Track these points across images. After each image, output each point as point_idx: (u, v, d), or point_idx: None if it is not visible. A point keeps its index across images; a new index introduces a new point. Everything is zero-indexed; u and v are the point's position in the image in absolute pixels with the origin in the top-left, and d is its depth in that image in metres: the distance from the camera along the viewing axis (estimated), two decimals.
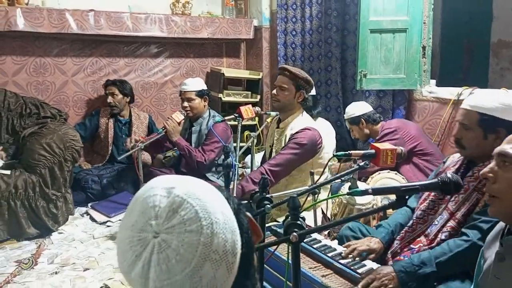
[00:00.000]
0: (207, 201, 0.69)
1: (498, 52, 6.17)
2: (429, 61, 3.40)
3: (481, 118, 1.62)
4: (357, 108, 3.13)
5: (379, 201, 2.49)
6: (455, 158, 1.85)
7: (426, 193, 1.83)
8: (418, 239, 1.77)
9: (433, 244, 1.67)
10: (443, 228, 1.68)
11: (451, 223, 1.66)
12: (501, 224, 1.22)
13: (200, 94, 3.30)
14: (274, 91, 2.62)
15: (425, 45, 3.33)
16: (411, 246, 1.77)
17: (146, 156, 3.90)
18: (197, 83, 3.35)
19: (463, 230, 1.60)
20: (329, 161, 2.32)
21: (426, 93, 3.35)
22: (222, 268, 0.66)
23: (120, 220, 3.16)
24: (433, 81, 3.47)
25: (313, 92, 3.29)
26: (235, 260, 0.69)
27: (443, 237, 1.66)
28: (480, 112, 1.63)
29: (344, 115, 3.22)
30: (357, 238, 1.98)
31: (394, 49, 3.30)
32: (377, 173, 2.92)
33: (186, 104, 3.29)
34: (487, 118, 1.61)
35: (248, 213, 0.79)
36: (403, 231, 1.85)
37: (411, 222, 1.84)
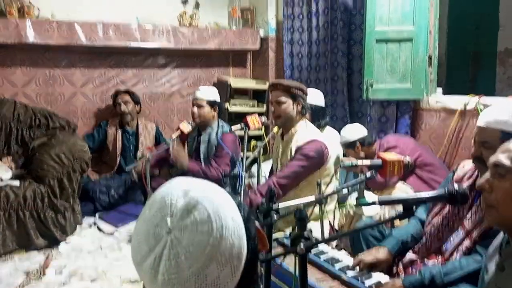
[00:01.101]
0: (220, 206, 0.74)
1: (505, 61, 6.15)
2: (435, 70, 3.40)
3: (503, 136, 1.51)
4: (352, 133, 3.04)
5: (386, 212, 2.48)
6: (466, 168, 1.80)
7: (438, 208, 1.81)
8: (433, 255, 1.76)
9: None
10: (459, 247, 1.66)
11: (467, 243, 1.64)
12: (501, 236, 1.22)
13: (211, 103, 3.32)
14: (272, 109, 2.62)
15: (431, 55, 3.33)
16: (425, 260, 1.76)
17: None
18: (210, 92, 3.37)
19: (477, 248, 1.58)
20: (336, 171, 2.33)
21: (433, 103, 3.34)
22: (226, 270, 0.71)
23: (127, 230, 3.17)
24: (440, 90, 3.46)
25: (321, 103, 3.30)
26: (240, 264, 0.73)
27: (458, 257, 1.64)
28: (502, 129, 1.54)
29: (339, 140, 3.12)
30: (375, 237, 1.98)
31: (400, 59, 3.30)
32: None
33: (195, 110, 3.31)
34: (510, 134, 1.49)
35: (256, 222, 0.83)
36: (417, 246, 1.83)
37: (424, 238, 1.81)
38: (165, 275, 0.69)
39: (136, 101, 3.99)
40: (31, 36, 3.52)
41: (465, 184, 1.71)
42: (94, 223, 3.35)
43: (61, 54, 3.98)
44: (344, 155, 3.15)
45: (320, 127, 3.17)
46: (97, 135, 3.96)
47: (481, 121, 1.61)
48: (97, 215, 3.45)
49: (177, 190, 0.75)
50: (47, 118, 3.46)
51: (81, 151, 3.16)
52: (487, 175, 1.16)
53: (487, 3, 6.26)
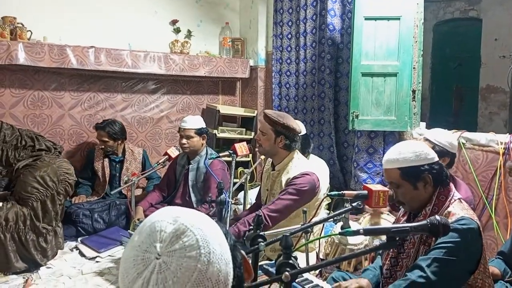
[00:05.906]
0: (208, 232, 0.76)
1: (486, 97, 6.36)
2: (418, 104, 3.50)
3: (402, 173, 1.68)
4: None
5: (371, 241, 2.50)
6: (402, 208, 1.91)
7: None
8: None
9: None
10: None
11: None
12: None
13: (199, 132, 3.33)
14: (256, 136, 2.68)
15: (415, 89, 3.43)
16: None
17: (137, 191, 3.89)
18: (197, 121, 3.37)
19: (406, 273, 1.62)
20: (322, 200, 2.35)
21: (416, 135, 3.42)
22: None
23: (109, 255, 3.12)
24: (423, 124, 3.55)
25: (303, 131, 3.35)
26: None
27: None
28: (398, 167, 1.69)
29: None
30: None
31: (385, 92, 3.40)
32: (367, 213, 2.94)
33: (184, 141, 3.31)
34: (407, 170, 1.67)
35: (242, 251, 0.85)
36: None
37: (381, 282, 1.85)
38: None
39: (115, 137, 3.84)
40: (22, 58, 3.54)
41: (400, 222, 1.85)
42: (76, 247, 3.29)
43: (51, 77, 4.00)
44: None
45: (305, 154, 3.20)
46: (88, 166, 3.97)
47: (383, 164, 1.78)
48: (79, 239, 3.39)
49: (166, 217, 0.77)
50: (33, 140, 3.44)
51: (66, 173, 3.12)
52: None
53: (469, 42, 6.52)
